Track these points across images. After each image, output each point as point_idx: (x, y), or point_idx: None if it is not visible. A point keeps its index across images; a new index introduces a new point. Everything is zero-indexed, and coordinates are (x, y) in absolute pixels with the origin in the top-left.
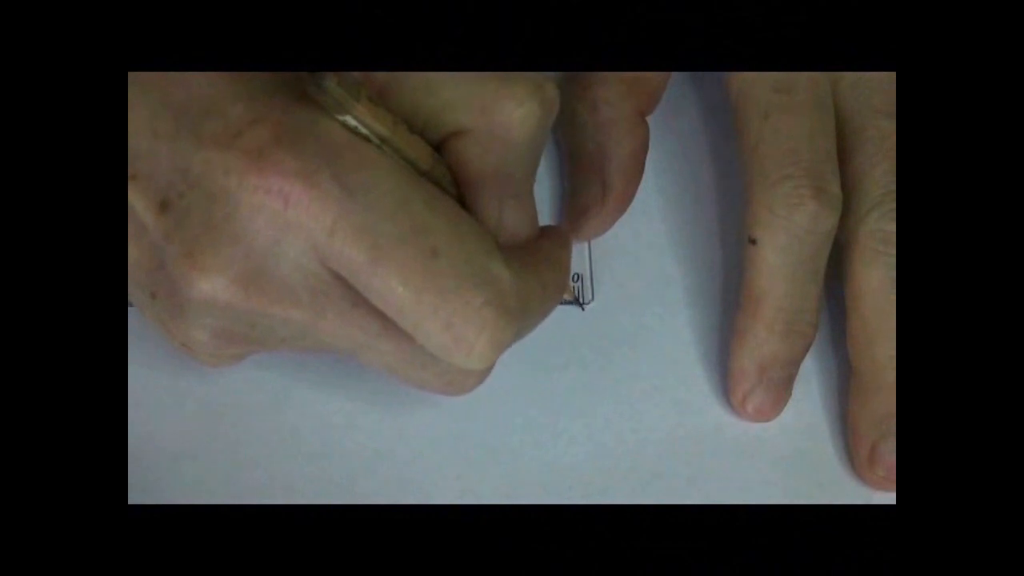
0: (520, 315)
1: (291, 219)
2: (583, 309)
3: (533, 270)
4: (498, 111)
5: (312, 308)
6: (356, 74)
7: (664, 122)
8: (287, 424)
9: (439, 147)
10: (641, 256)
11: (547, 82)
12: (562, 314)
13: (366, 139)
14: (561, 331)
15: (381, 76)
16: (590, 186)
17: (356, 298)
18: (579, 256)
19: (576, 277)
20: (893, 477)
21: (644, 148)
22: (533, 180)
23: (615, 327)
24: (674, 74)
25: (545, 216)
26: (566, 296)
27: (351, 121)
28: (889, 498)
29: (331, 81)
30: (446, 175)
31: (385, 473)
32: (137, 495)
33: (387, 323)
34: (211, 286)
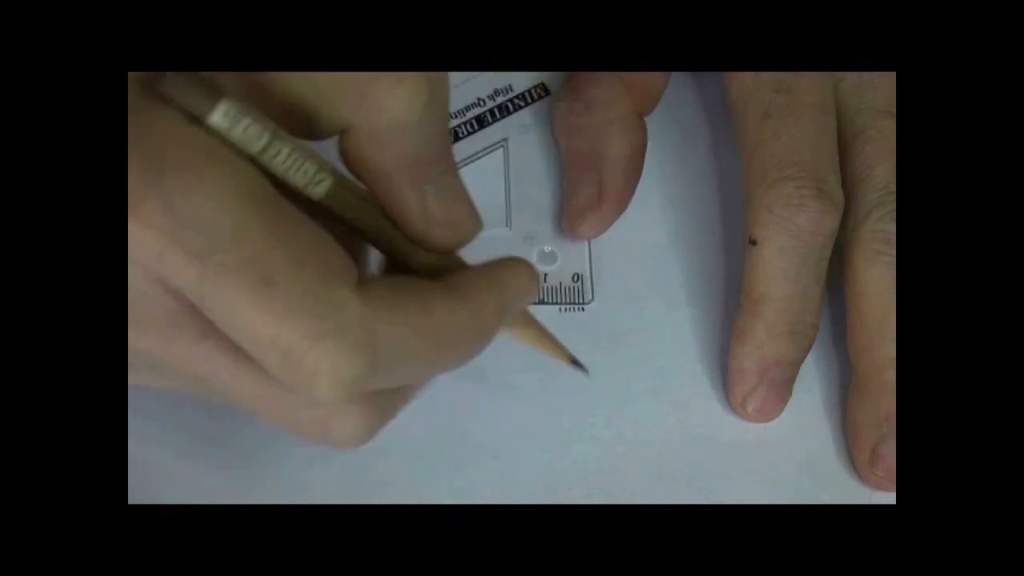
0: (370, 341)
1: None
2: (585, 371)
3: (417, 298)
4: (377, 97)
5: (161, 337)
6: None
7: (664, 122)
8: None
9: (340, 153)
10: (641, 256)
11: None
12: (562, 314)
13: (243, 139)
14: (561, 331)
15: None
16: (587, 187)
17: (207, 330)
18: (579, 256)
19: (576, 277)
20: (893, 477)
21: (641, 148)
22: (449, 155)
23: (615, 327)
24: (674, 74)
25: (545, 216)
26: (557, 357)
27: (220, 115)
28: (889, 498)
29: (187, 83)
30: (350, 181)
31: (385, 473)
32: (137, 495)
33: (240, 358)
34: None
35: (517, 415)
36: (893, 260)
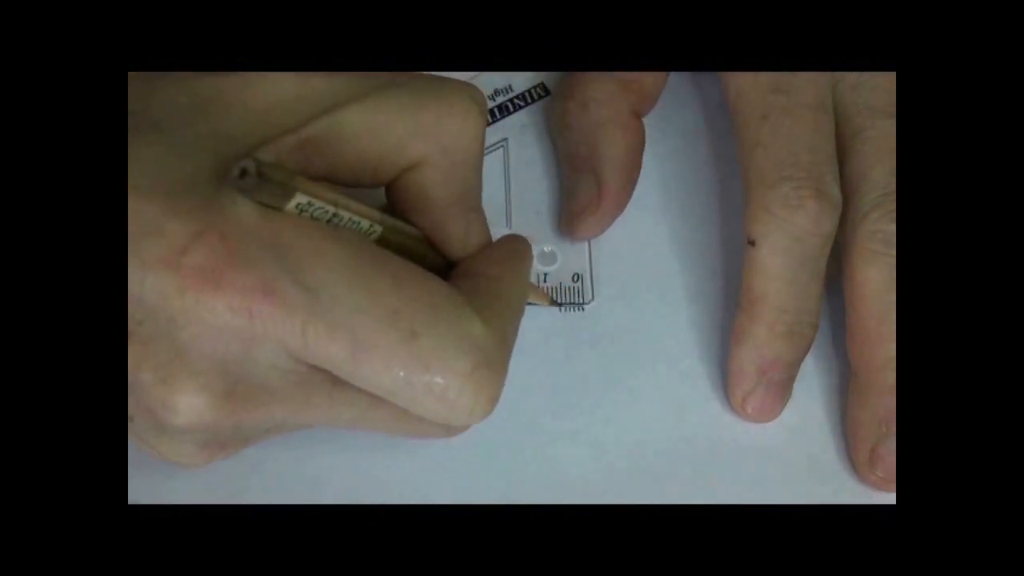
0: (506, 356)
1: (259, 332)
2: (561, 310)
3: (498, 296)
4: (446, 133)
5: (296, 400)
6: (275, 160)
7: (664, 122)
8: None
9: (392, 185)
10: (641, 256)
11: (470, 85)
12: (562, 314)
13: (313, 217)
14: (561, 331)
15: (318, 134)
16: (585, 187)
17: (337, 380)
18: (579, 256)
19: (576, 277)
20: (893, 478)
21: (638, 147)
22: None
23: (615, 327)
24: (674, 74)
25: (545, 216)
26: (538, 300)
27: (294, 206)
28: (889, 498)
29: (260, 181)
30: (396, 225)
31: (385, 473)
32: (137, 495)
33: (374, 396)
34: (194, 407)
35: (517, 415)
36: (892, 260)
